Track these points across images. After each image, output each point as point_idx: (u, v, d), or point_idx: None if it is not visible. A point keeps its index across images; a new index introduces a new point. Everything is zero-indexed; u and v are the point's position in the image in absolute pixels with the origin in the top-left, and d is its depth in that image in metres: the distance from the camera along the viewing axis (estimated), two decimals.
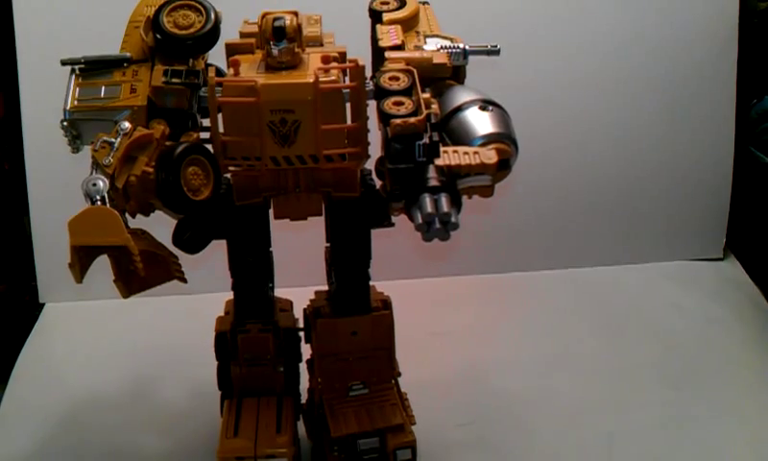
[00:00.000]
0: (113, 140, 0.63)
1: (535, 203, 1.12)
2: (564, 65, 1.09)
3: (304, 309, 0.78)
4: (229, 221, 0.71)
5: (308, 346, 0.77)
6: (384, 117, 0.60)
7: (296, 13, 0.66)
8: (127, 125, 0.64)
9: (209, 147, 0.66)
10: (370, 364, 0.75)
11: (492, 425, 0.86)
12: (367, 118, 0.65)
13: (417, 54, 0.68)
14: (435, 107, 0.61)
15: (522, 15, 1.08)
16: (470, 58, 0.69)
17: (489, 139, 0.62)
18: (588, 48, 1.09)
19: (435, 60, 0.67)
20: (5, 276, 1.11)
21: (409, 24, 0.72)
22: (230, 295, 0.76)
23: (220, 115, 0.65)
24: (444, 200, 0.56)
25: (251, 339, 0.75)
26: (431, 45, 0.69)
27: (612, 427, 0.85)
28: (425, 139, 0.58)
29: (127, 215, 0.64)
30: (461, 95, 0.65)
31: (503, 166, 0.61)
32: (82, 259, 0.62)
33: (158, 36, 0.68)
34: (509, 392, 0.90)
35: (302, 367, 0.78)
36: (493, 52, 0.71)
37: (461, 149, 0.59)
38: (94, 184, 0.61)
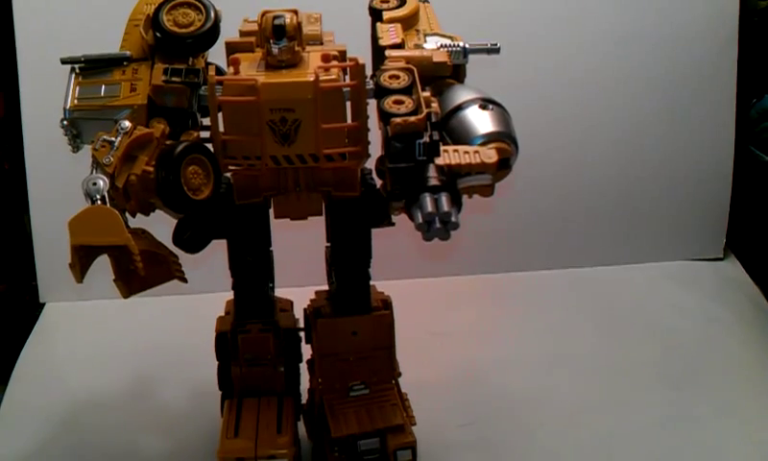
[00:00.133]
0: (113, 139, 0.63)
1: (535, 202, 1.12)
2: (565, 64, 1.09)
3: (305, 309, 0.78)
4: (230, 220, 0.71)
5: (309, 346, 0.77)
6: (384, 116, 0.60)
7: (296, 12, 0.66)
8: (127, 124, 0.64)
9: (209, 146, 0.66)
10: (370, 364, 0.75)
11: (492, 426, 0.86)
12: (367, 117, 0.65)
13: (417, 52, 0.68)
14: (435, 105, 0.60)
15: (522, 14, 1.08)
16: (470, 56, 0.69)
17: (489, 138, 0.62)
18: (588, 47, 1.09)
19: (435, 59, 0.67)
20: (5, 275, 1.11)
21: (409, 22, 0.72)
22: (231, 295, 0.76)
23: (220, 114, 0.65)
24: (444, 199, 0.56)
25: (251, 339, 0.74)
26: (431, 44, 0.69)
27: (612, 427, 0.85)
28: (425, 138, 0.58)
29: (127, 215, 0.64)
30: (461, 94, 0.64)
31: (503, 165, 0.61)
32: (82, 259, 0.62)
33: (158, 34, 0.68)
34: (509, 392, 0.90)
35: (303, 367, 0.78)
36: (494, 50, 0.71)
37: (461, 148, 0.59)
38: (94, 184, 0.61)
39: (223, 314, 0.78)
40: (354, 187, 0.70)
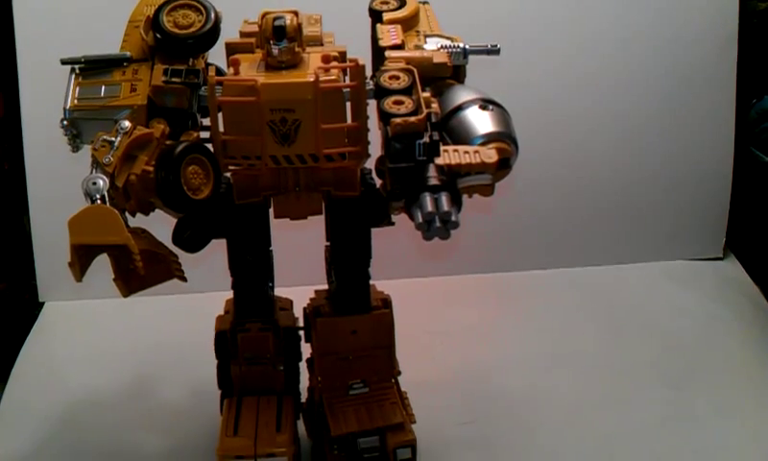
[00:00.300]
0: (113, 139, 0.63)
1: (535, 202, 1.12)
2: (565, 65, 1.09)
3: (304, 308, 0.78)
4: (229, 220, 0.71)
5: (308, 345, 0.77)
6: (384, 116, 0.60)
7: (296, 13, 0.66)
8: (127, 124, 0.64)
9: (209, 146, 0.66)
10: (370, 363, 0.75)
11: (492, 424, 0.86)
12: (367, 117, 0.65)
13: (417, 53, 0.68)
14: (435, 106, 0.61)
15: (522, 15, 1.08)
16: (470, 57, 0.69)
17: (489, 138, 0.62)
18: (588, 47, 1.09)
19: (435, 60, 0.67)
20: (5, 274, 1.11)
21: (409, 24, 0.72)
22: (230, 294, 0.76)
23: (220, 115, 0.65)
24: (444, 199, 0.56)
25: (250, 338, 0.75)
26: (431, 45, 0.69)
27: (612, 426, 0.85)
28: (425, 138, 0.58)
29: (127, 214, 0.64)
30: (461, 94, 0.65)
31: (503, 165, 0.62)
32: (81, 258, 0.62)
33: (158, 35, 0.68)
34: (509, 391, 0.90)
35: (302, 366, 0.78)
36: (493, 51, 0.71)
37: (461, 148, 0.59)
38: (94, 183, 0.61)
39: (222, 313, 0.78)
40: (354, 187, 0.70)
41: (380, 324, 0.75)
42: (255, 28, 0.69)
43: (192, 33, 0.68)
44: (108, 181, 0.62)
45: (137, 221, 0.65)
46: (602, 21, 1.09)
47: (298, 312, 0.79)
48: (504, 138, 0.62)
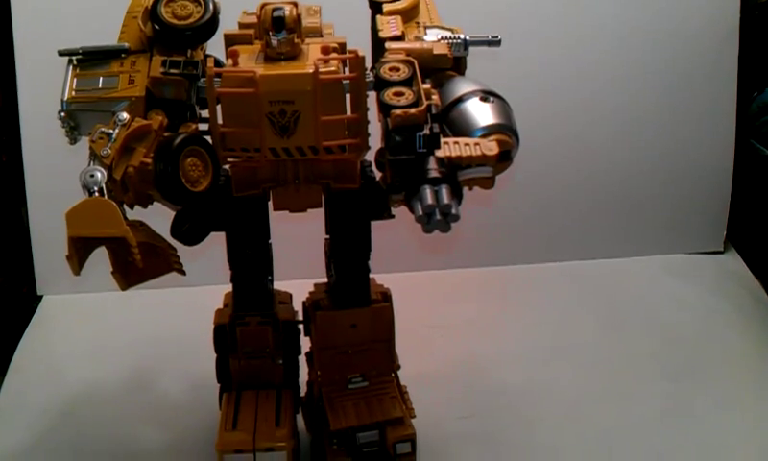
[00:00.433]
0: (111, 131, 0.63)
1: (536, 195, 1.11)
2: (566, 58, 1.09)
3: (304, 302, 0.78)
4: (228, 213, 0.71)
5: (307, 338, 0.77)
6: (384, 108, 0.59)
7: (295, 4, 0.66)
8: (125, 116, 0.63)
9: (208, 138, 0.65)
10: (369, 357, 0.75)
11: (492, 418, 0.85)
12: (367, 109, 0.65)
13: (417, 45, 0.67)
14: (435, 97, 0.60)
15: (523, 7, 1.07)
16: (471, 48, 0.69)
17: (490, 130, 0.61)
18: (589, 39, 1.09)
19: (435, 51, 0.66)
20: (2, 268, 1.10)
21: (409, 15, 0.71)
22: (229, 287, 0.76)
23: (219, 106, 0.64)
24: (444, 191, 0.56)
25: (250, 332, 0.74)
26: (431, 36, 0.69)
27: (612, 419, 0.85)
28: (426, 130, 0.58)
29: (125, 206, 0.64)
30: (461, 86, 0.64)
31: (504, 158, 0.61)
32: (79, 251, 0.62)
33: (157, 26, 0.68)
34: (509, 384, 0.90)
35: (302, 359, 0.78)
36: (494, 43, 0.71)
37: (462, 140, 0.59)
38: (92, 176, 0.61)
39: (221, 307, 0.78)
40: (354, 179, 0.70)
41: (380, 317, 0.75)
42: (254, 19, 0.68)
43: (190, 24, 0.68)
44: (105, 173, 0.61)
45: (135, 213, 0.65)
46: (603, 14, 1.08)
47: (297, 306, 0.79)
48: (505, 130, 0.62)
